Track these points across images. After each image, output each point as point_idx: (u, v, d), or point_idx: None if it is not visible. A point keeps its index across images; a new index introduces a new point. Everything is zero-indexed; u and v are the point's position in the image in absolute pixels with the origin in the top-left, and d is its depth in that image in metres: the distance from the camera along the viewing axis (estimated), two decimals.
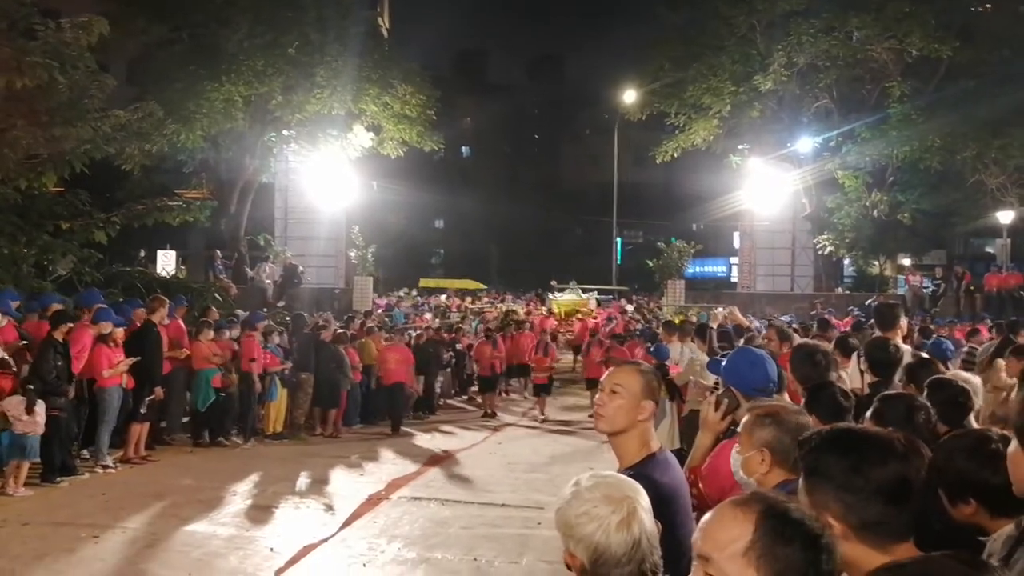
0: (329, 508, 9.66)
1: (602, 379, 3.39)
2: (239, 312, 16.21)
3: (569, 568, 2.26)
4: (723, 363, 4.42)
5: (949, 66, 25.68)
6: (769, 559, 1.69)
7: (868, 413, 3.90)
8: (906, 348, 6.76)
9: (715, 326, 10.23)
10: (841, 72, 26.74)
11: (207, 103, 22.14)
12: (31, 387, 9.77)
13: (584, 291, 33.40)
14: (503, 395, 19.99)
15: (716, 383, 4.83)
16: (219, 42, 22.96)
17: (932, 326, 16.34)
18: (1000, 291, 25.13)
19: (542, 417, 17.11)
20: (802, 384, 4.81)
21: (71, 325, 10.75)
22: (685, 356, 11.21)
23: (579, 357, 26.05)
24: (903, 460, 2.04)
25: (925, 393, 4.49)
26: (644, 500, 2.24)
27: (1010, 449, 2.51)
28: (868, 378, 5.91)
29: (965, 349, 11.05)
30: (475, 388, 20.16)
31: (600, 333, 19.98)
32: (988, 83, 23.81)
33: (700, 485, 3.69)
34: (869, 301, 23.19)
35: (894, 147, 25.82)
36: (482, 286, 37.46)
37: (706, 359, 10.82)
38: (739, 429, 3.29)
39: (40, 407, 9.69)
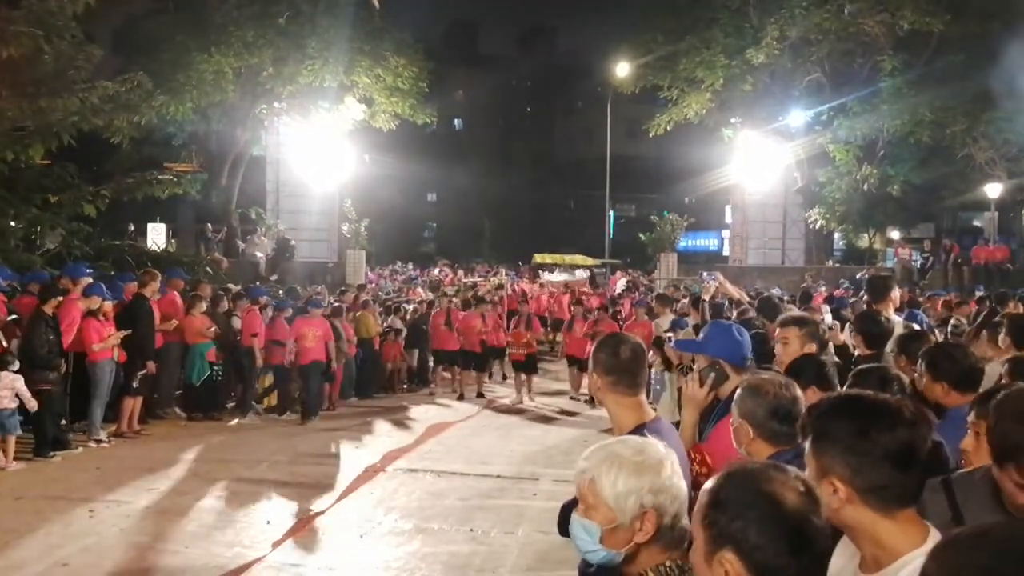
0: (325, 481, 9.66)
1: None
2: (231, 286, 16.13)
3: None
4: (701, 338, 4.42)
5: (940, 40, 25.62)
6: (718, 528, 1.79)
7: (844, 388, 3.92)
8: (897, 320, 6.78)
9: (707, 298, 10.21)
10: (833, 46, 26.67)
11: (196, 75, 21.91)
12: None
13: (576, 268, 33.25)
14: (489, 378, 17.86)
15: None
16: (207, 12, 22.71)
17: (920, 298, 16.40)
18: (987, 264, 25.32)
19: (524, 400, 15.46)
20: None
21: (60, 299, 10.70)
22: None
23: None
24: (911, 427, 2.06)
25: (920, 363, 4.51)
26: (675, 462, 2.29)
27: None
28: (859, 351, 5.93)
29: (952, 322, 11.09)
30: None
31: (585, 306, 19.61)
32: (978, 57, 23.78)
33: (709, 461, 3.69)
34: (861, 274, 23.27)
35: (885, 121, 25.87)
36: (596, 261, 36.25)
37: (668, 326, 10.90)
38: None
39: (6, 381, 9.61)
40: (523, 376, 15.90)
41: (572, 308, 19.46)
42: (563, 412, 14.96)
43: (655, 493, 2.21)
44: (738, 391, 3.30)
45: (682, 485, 2.25)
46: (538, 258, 36.09)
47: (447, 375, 17.35)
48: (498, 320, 17.53)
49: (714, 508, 1.77)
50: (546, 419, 14.13)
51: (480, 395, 16.17)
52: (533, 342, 16.46)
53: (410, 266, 36.80)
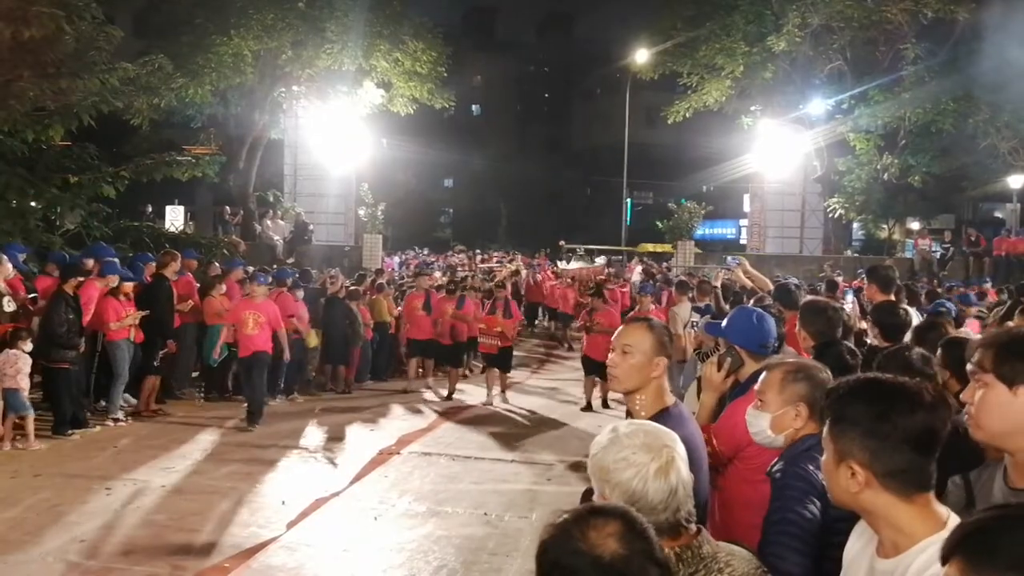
0: (340, 463, 9.74)
1: (613, 338, 3.40)
2: (249, 268, 16.18)
3: None
4: (724, 323, 4.41)
5: (964, 28, 25.36)
6: None
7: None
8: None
9: (718, 284, 10.16)
10: (855, 34, 26.37)
11: (215, 57, 21.98)
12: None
13: (592, 254, 33.05)
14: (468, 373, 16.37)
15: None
16: None
17: (939, 289, 16.33)
18: (1008, 255, 25.09)
19: (494, 399, 13.66)
20: (815, 340, 4.82)
21: (81, 279, 10.79)
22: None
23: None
24: (931, 410, 2.03)
25: (939, 353, 4.49)
26: (681, 449, 2.26)
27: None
28: (877, 342, 5.90)
29: (975, 312, 11.05)
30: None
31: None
32: (1002, 46, 23.50)
33: (714, 443, 3.70)
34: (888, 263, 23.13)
35: (907, 109, 25.58)
36: (698, 251, 35.52)
37: (686, 314, 10.83)
38: (760, 387, 3.26)
39: (21, 362, 9.71)
40: (496, 372, 13.88)
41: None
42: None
43: (605, 482, 2.22)
44: (774, 377, 3.21)
45: (637, 480, 2.18)
46: (641, 247, 33.73)
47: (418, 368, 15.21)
48: (480, 308, 14.95)
49: (545, 575, 1.71)
50: (560, 402, 14.06)
51: (450, 395, 14.25)
52: (509, 332, 14.00)
53: (425, 251, 36.76)
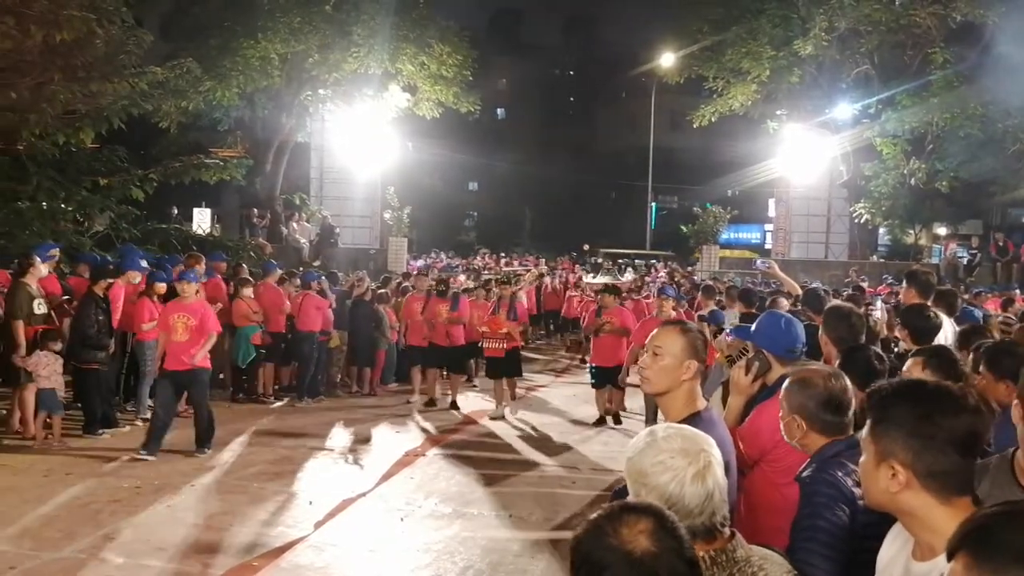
0: (366, 464, 9.79)
1: (646, 340, 3.42)
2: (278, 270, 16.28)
3: None
4: (752, 327, 4.42)
5: (994, 32, 25.12)
6: None
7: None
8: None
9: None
10: (883, 38, 26.14)
11: (243, 60, 22.15)
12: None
13: (616, 264, 32.68)
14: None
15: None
16: None
17: (966, 295, 16.20)
18: None
19: (504, 410, 12.71)
20: (836, 346, 4.83)
21: (111, 281, 10.91)
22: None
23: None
24: (975, 413, 2.05)
25: (985, 358, 4.49)
26: (718, 454, 2.27)
27: None
28: (905, 345, 5.89)
29: (1000, 318, 10.99)
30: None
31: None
32: None
33: (740, 446, 3.72)
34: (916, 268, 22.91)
35: (934, 114, 25.35)
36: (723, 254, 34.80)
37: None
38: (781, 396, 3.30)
39: (54, 363, 9.85)
40: (503, 382, 12.81)
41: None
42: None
43: (642, 485, 2.22)
44: (784, 385, 3.28)
45: (674, 484, 2.19)
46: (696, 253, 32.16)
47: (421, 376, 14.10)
48: (487, 310, 13.80)
49: (577, 569, 1.76)
50: (585, 406, 14.02)
51: (432, 402, 13.54)
52: (516, 334, 12.97)
53: (442, 255, 36.79)
